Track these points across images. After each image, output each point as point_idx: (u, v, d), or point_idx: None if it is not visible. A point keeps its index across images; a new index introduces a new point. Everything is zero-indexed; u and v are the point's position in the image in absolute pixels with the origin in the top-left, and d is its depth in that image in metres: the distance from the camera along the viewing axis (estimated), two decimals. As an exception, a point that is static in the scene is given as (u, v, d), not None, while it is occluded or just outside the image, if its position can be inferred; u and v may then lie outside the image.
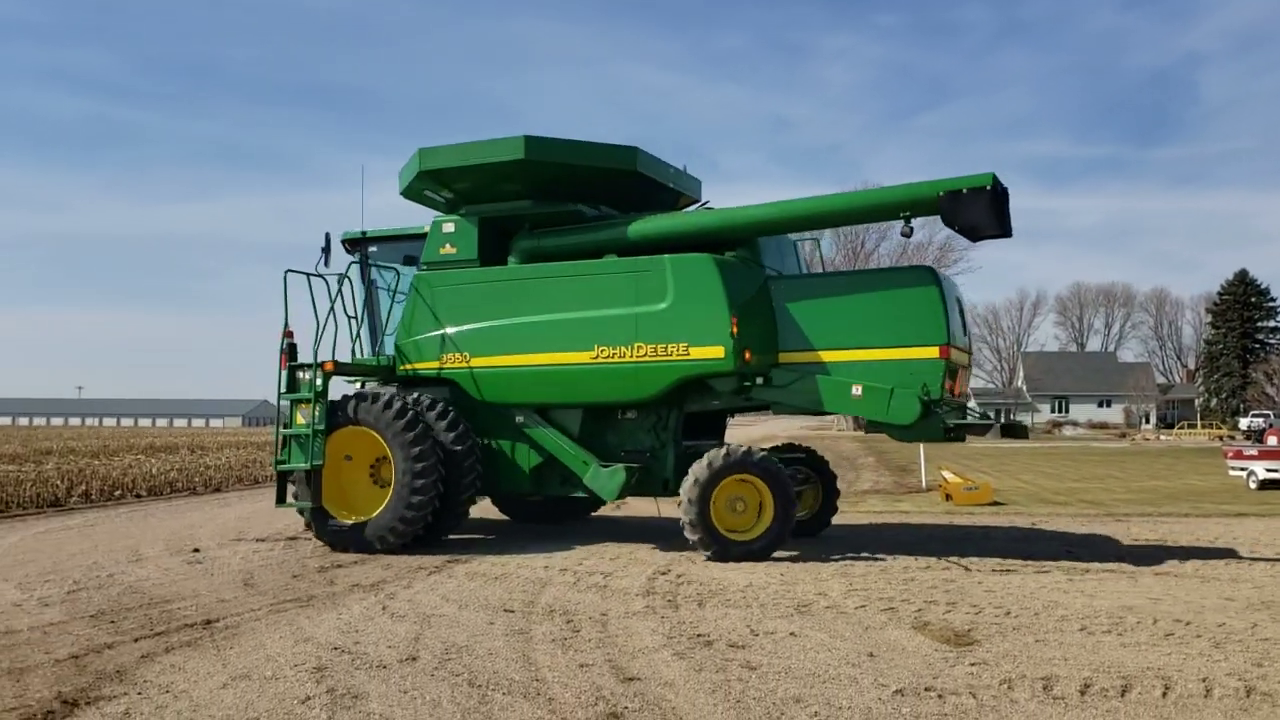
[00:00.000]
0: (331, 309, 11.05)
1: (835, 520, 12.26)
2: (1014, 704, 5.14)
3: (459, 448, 10.71)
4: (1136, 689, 5.38)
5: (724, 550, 9.79)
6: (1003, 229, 9.65)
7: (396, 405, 10.57)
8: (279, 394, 10.95)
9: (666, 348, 10.18)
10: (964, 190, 9.54)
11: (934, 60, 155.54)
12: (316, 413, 10.52)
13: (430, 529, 10.62)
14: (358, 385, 11.91)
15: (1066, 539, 11.93)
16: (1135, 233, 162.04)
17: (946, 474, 19.81)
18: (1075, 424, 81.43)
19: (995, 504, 17.11)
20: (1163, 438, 62.60)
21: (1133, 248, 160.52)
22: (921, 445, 23.94)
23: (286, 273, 10.98)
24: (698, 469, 9.90)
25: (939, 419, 9.63)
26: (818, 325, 10.23)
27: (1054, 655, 6.09)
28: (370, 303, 12.17)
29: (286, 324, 10.96)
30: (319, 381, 10.62)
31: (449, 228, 11.52)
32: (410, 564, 9.61)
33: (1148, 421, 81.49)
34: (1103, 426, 79.11)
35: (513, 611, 7.36)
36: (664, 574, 9.01)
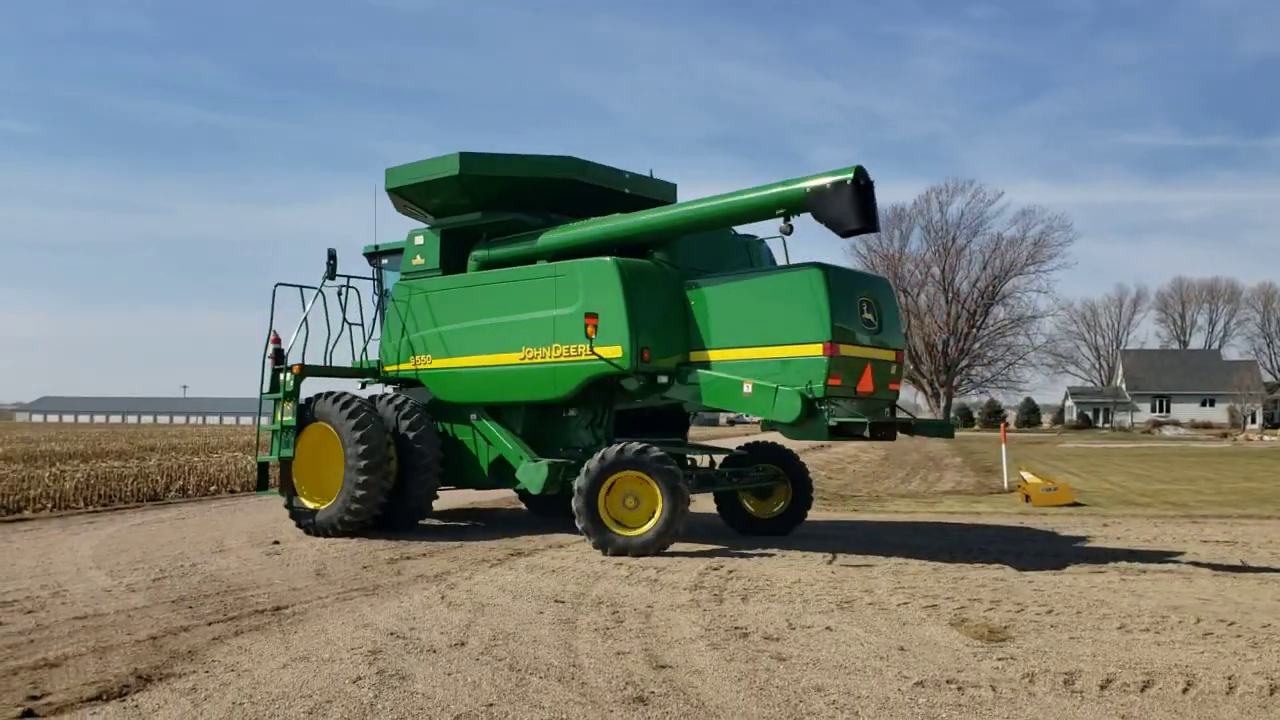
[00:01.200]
0: (309, 317, 12.35)
1: (900, 519, 12.31)
2: (1031, 696, 5.27)
3: (419, 444, 11.64)
4: (1158, 685, 5.45)
5: (610, 544, 10.14)
6: (866, 223, 9.76)
7: (352, 404, 11.60)
8: (261, 394, 12.25)
9: (577, 348, 10.71)
10: (828, 185, 9.68)
11: (1032, 50, 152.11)
12: (287, 410, 11.71)
13: (390, 517, 11.68)
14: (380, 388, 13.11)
15: (1133, 540, 11.81)
16: (1243, 226, 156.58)
17: (1026, 475, 19.63)
18: (1177, 424, 79.10)
19: (1074, 505, 16.88)
20: (1266, 438, 60.40)
21: (1240, 241, 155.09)
22: (1004, 446, 23.74)
23: (276, 286, 12.44)
24: (588, 464, 10.34)
25: (823, 417, 9.78)
26: (720, 324, 10.61)
27: (1084, 652, 6.17)
28: (381, 310, 13.22)
29: (271, 330, 12.24)
30: (290, 382, 11.88)
31: (419, 240, 12.55)
32: (475, 556, 10.02)
33: (1253, 421, 78.71)
34: (1205, 426, 76.69)
35: (563, 602, 7.67)
36: (716, 570, 9.24)
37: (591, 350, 10.37)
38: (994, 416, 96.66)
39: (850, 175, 9.59)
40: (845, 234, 10.00)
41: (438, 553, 10.28)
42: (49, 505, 15.17)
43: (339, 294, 12.83)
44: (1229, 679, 5.53)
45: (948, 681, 5.52)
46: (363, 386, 13.08)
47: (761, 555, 10.20)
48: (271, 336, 12.14)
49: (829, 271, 10.16)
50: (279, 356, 12.10)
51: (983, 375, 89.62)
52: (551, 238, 11.55)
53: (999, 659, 6.00)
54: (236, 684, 5.48)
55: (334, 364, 12.77)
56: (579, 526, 10.26)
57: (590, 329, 10.20)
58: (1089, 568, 9.51)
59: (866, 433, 9.94)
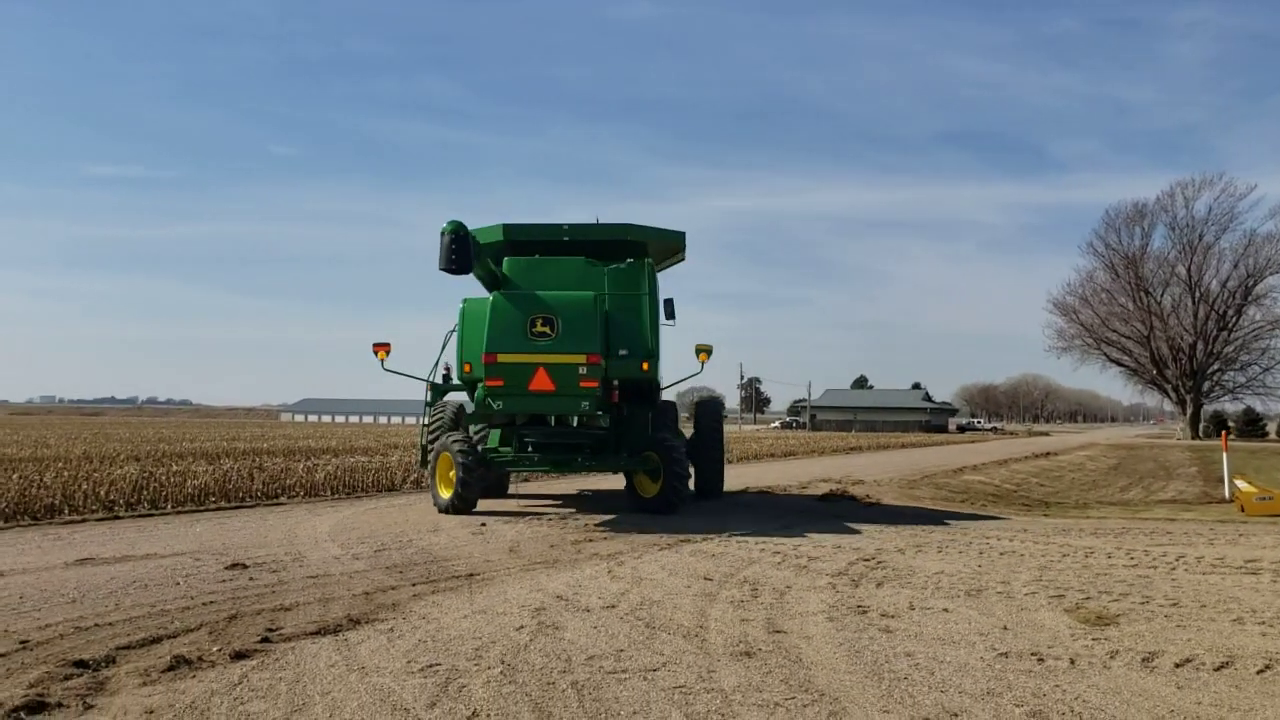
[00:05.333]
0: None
1: (1088, 523, 12.42)
2: (1106, 670, 5.78)
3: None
4: (1234, 666, 5.83)
5: (435, 500, 14.16)
6: (445, 265, 12.50)
7: (432, 407, 15.97)
8: (425, 402, 16.23)
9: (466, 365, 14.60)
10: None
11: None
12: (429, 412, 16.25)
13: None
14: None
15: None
16: None
17: (1240, 483, 18.96)
18: None
19: (1292, 514, 16.24)
20: None
21: None
22: (1225, 455, 22.82)
23: (447, 333, 15.69)
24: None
25: (491, 409, 13.43)
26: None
27: (1182, 638, 6.56)
28: None
29: (442, 361, 15.86)
30: (429, 395, 15.90)
31: None
32: (649, 541, 11.07)
33: None
34: None
35: (711, 580, 8.60)
36: (866, 560, 9.90)
37: (383, 369, 14.81)
38: (1252, 425, 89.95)
39: (442, 229, 12.59)
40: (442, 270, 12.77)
41: (617, 537, 11.41)
42: (301, 493, 17.36)
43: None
44: (1309, 664, 5.84)
45: (1031, 654, 6.10)
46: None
47: (917, 550, 10.76)
48: (444, 366, 15.83)
49: (497, 298, 13.49)
50: (445, 379, 15.81)
51: (1235, 381, 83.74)
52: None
53: (1093, 639, 6.49)
54: (424, 628, 6.73)
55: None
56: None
57: (381, 355, 14.44)
58: (1246, 569, 9.56)
59: (519, 419, 14.43)
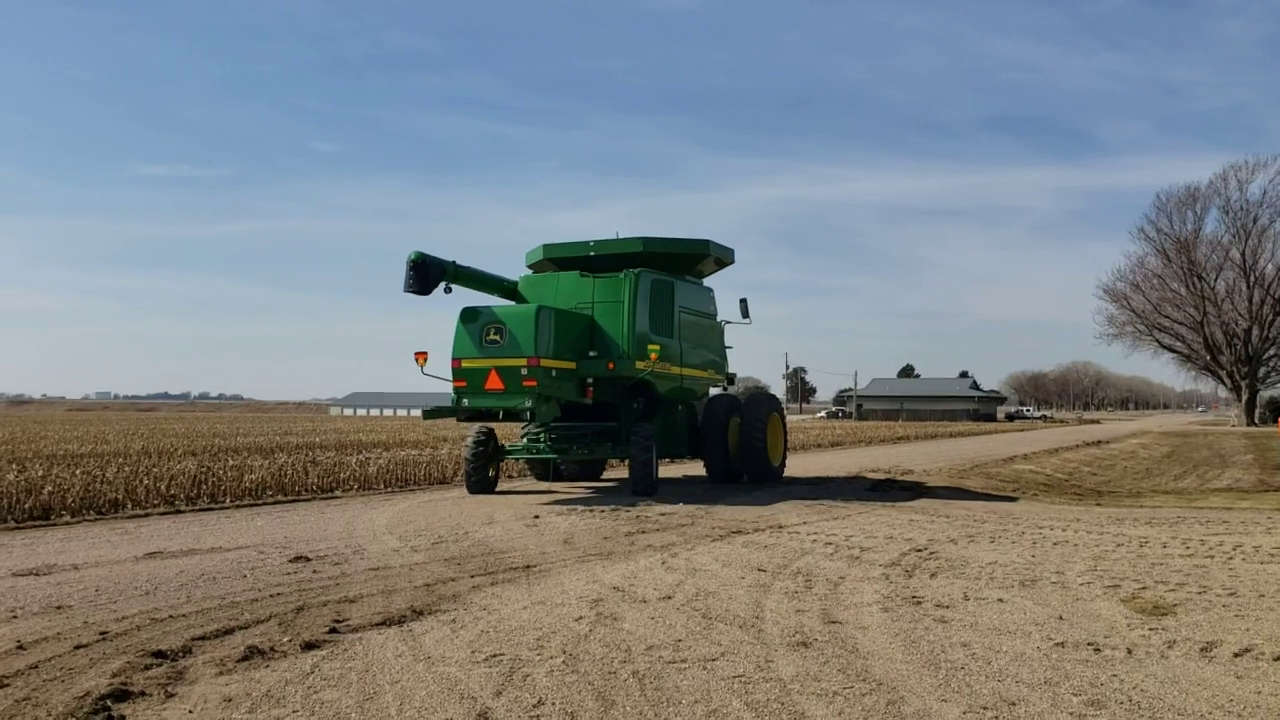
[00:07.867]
0: None
1: (1141, 511, 12.35)
2: (1164, 659, 5.80)
3: None
4: (1294, 656, 5.83)
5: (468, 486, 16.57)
6: (405, 288, 14.95)
7: None
8: None
9: None
10: None
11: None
12: None
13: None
14: None
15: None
16: None
17: (1296, 471, 18.69)
18: None
19: (1351, 502, 16.02)
20: None
21: None
22: (1279, 444, 22.55)
23: None
24: None
25: (459, 405, 15.06)
26: None
27: (1240, 627, 6.55)
28: None
29: None
30: None
31: None
32: (700, 533, 11.18)
33: None
34: None
35: (765, 571, 8.68)
36: (919, 551, 9.93)
37: (422, 374, 15.46)
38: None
39: (408, 256, 14.90)
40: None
41: (670, 529, 11.53)
42: (355, 486, 17.65)
43: None
44: (1370, 654, 5.81)
45: (1088, 644, 6.13)
46: None
47: (970, 540, 10.77)
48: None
49: (463, 312, 15.08)
50: None
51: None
52: None
53: (1150, 629, 6.50)
54: (486, 619, 6.88)
55: None
56: None
57: (420, 361, 15.17)
58: (1305, 559, 9.48)
59: (470, 415, 15.62)
